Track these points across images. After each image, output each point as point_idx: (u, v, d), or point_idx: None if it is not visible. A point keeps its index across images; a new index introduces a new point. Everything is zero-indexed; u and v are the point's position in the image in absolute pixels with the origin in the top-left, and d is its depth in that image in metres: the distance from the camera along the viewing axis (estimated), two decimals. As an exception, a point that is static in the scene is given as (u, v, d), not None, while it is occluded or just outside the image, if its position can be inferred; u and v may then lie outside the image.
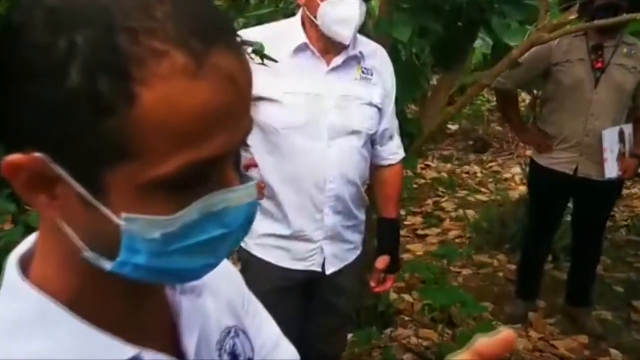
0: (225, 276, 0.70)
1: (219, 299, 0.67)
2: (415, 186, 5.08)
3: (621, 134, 2.74)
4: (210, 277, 0.64)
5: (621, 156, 2.74)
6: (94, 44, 0.42)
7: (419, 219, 4.47)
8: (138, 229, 0.46)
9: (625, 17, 2.22)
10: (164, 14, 0.43)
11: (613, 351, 2.83)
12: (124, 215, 0.46)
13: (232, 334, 0.67)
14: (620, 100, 2.71)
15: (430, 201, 4.86)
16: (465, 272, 3.66)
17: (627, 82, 2.69)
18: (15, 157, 0.45)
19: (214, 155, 0.46)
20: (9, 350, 0.49)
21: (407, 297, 3.25)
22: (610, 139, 2.69)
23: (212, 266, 0.52)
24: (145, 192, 0.45)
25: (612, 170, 2.71)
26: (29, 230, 0.97)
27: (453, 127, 6.82)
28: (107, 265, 0.49)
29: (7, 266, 0.53)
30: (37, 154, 0.44)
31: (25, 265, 0.54)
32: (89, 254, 0.49)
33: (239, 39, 0.49)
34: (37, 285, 0.51)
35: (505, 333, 0.44)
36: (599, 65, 2.68)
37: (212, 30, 0.45)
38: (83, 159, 0.44)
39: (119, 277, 0.50)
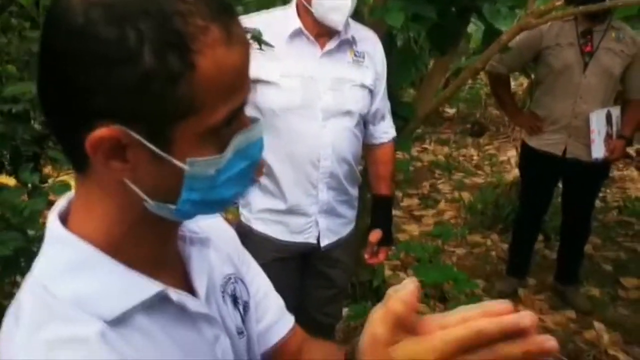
0: (223, 232, 0.82)
1: (219, 251, 0.78)
2: (412, 169, 5.18)
3: (608, 116, 2.83)
4: (211, 233, 0.75)
5: (608, 137, 2.84)
6: (157, 29, 0.53)
7: (415, 201, 4.58)
8: (198, 169, 0.58)
9: (611, 2, 2.30)
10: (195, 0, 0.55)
11: (597, 324, 2.94)
12: (188, 160, 0.57)
13: (232, 280, 0.78)
14: (608, 84, 2.80)
15: (426, 183, 4.96)
16: (459, 251, 3.77)
17: (615, 65, 2.77)
18: (101, 131, 0.55)
19: (242, 102, 0.60)
20: (57, 288, 0.59)
21: (401, 274, 3.37)
22: (597, 120, 2.78)
23: (241, 194, 0.65)
24: (201, 139, 0.58)
25: (599, 151, 2.80)
26: (49, 201, 1.07)
27: (450, 111, 6.90)
28: (172, 207, 0.60)
29: (49, 220, 0.64)
30: (117, 126, 0.55)
31: (64, 217, 0.64)
32: (150, 203, 0.60)
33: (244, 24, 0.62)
34: (78, 235, 0.62)
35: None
36: (588, 49, 2.76)
37: (226, 8, 0.58)
38: (156, 122, 0.56)
39: (154, 224, 0.62)
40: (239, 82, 0.59)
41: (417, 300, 0.50)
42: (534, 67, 3.10)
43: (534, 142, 2.96)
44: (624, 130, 2.88)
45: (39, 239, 1.11)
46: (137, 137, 0.56)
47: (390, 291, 0.51)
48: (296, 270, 1.92)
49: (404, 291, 0.50)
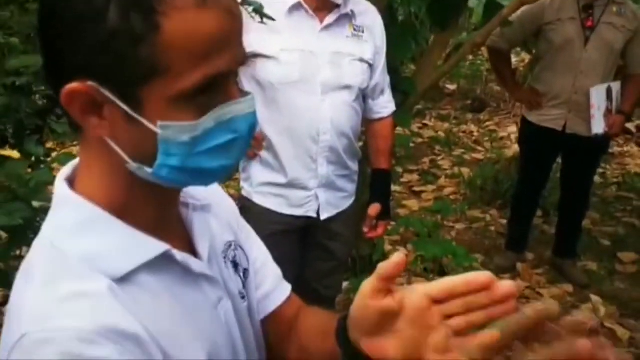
0: (223, 201, 0.84)
1: (219, 218, 0.80)
2: (412, 145, 5.20)
3: (609, 91, 2.83)
4: (212, 202, 0.78)
5: (608, 113, 2.84)
6: None
7: (415, 176, 4.60)
8: (171, 133, 0.59)
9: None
10: None
11: (593, 297, 2.98)
12: (159, 123, 0.59)
13: (232, 247, 0.81)
14: (609, 59, 2.79)
15: (426, 159, 4.97)
16: (459, 226, 3.80)
17: (616, 40, 2.77)
18: (73, 85, 0.57)
19: (221, 70, 0.59)
20: (66, 246, 0.62)
21: (401, 249, 3.41)
22: (597, 96, 2.79)
23: (227, 167, 0.65)
24: (173, 103, 0.58)
25: (598, 127, 2.81)
26: (54, 171, 1.09)
27: (451, 87, 6.88)
28: (148, 170, 0.61)
29: (56, 185, 0.67)
30: (89, 82, 0.57)
31: (70, 182, 0.67)
32: (131, 164, 0.62)
33: None
34: (85, 197, 0.64)
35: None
36: (589, 23, 2.75)
37: None
38: (124, 81, 0.57)
39: (152, 187, 0.64)
40: (216, 49, 0.58)
41: (402, 270, 0.57)
42: (535, 42, 3.09)
43: (534, 118, 2.97)
44: (623, 106, 2.88)
45: (44, 211, 1.14)
46: (109, 94, 0.58)
47: (380, 265, 0.58)
48: (297, 242, 1.95)
49: (389, 262, 0.57)
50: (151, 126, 0.59)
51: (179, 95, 0.58)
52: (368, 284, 0.59)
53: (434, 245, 3.26)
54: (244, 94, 0.64)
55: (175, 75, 0.57)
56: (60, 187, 0.66)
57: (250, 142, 0.67)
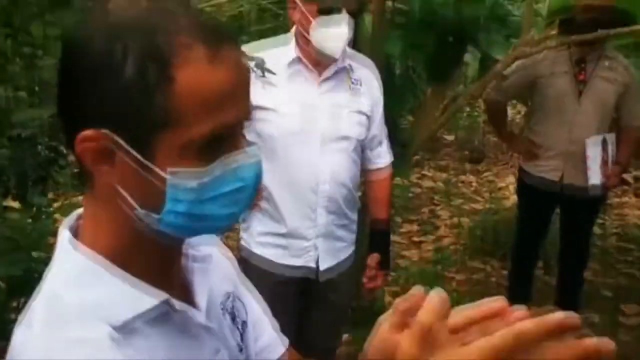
0: (223, 254, 0.85)
1: (219, 271, 0.81)
2: (411, 195, 5.22)
3: (604, 143, 2.87)
4: (212, 253, 0.78)
5: (604, 164, 2.87)
6: (141, 44, 0.58)
7: (414, 227, 4.60)
8: (180, 180, 0.61)
9: (603, 32, 2.36)
10: (187, 21, 0.60)
11: (597, 350, 2.93)
12: (169, 169, 0.61)
13: (231, 298, 0.81)
14: (602, 111, 2.84)
15: (426, 209, 4.98)
16: (459, 277, 3.78)
17: (609, 93, 2.82)
18: (87, 133, 0.60)
19: (229, 122, 0.62)
20: (68, 295, 0.63)
21: (401, 300, 3.37)
22: (593, 147, 2.82)
23: (235, 215, 0.67)
24: (183, 151, 0.61)
25: (595, 177, 2.84)
26: (55, 221, 1.10)
27: (449, 138, 6.95)
28: (156, 216, 0.63)
29: (59, 233, 0.68)
30: (103, 130, 0.60)
31: (74, 231, 0.68)
32: (139, 211, 0.63)
33: (242, 51, 0.66)
34: (88, 246, 0.65)
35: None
36: (582, 77, 2.81)
37: (221, 33, 0.62)
38: (138, 130, 0.60)
39: (156, 236, 0.65)
40: (225, 101, 0.61)
41: (421, 304, 0.48)
42: (530, 95, 3.16)
43: (531, 169, 2.99)
44: (619, 157, 2.91)
45: (43, 261, 1.14)
46: (121, 142, 0.60)
47: (398, 300, 0.50)
48: (296, 293, 1.94)
49: (408, 296, 0.49)
50: (161, 173, 0.61)
51: (189, 144, 0.60)
52: (386, 320, 0.56)
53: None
54: (250, 144, 0.67)
55: (187, 125, 0.60)
56: (63, 236, 0.67)
57: (256, 192, 0.68)
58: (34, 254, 1.09)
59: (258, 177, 0.67)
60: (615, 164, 2.90)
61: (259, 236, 1.88)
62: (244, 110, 0.64)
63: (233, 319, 0.80)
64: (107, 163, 0.61)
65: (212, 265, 0.78)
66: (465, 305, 0.51)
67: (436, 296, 0.47)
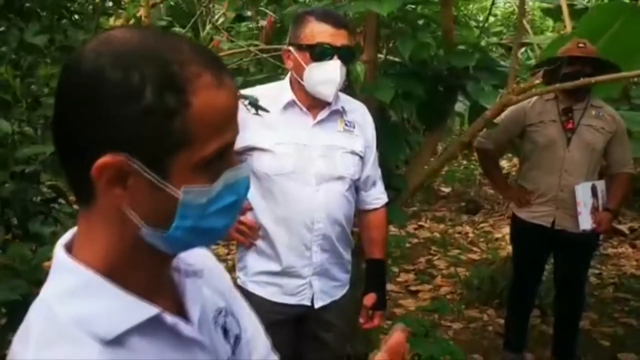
0: (215, 268, 0.88)
1: (211, 285, 0.84)
2: (408, 245, 5.24)
3: (594, 189, 2.93)
4: (204, 267, 0.82)
5: (594, 210, 2.93)
6: (158, 73, 0.63)
7: (411, 276, 4.60)
8: (191, 197, 0.66)
9: (586, 80, 2.46)
10: (189, 51, 0.66)
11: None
12: (183, 188, 0.66)
13: (223, 313, 0.84)
14: (591, 158, 2.92)
15: (422, 259, 4.99)
16: (456, 325, 3.76)
17: (597, 141, 2.91)
18: (106, 158, 0.63)
19: (231, 140, 0.69)
20: (61, 310, 0.66)
21: (397, 348, 3.34)
22: (582, 193, 2.88)
23: (228, 227, 0.72)
24: (194, 170, 0.66)
25: (586, 223, 2.89)
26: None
27: (446, 190, 7.03)
28: (163, 233, 0.67)
29: (55, 251, 0.71)
30: (121, 154, 0.63)
31: (68, 249, 0.71)
32: (146, 230, 0.67)
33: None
34: (82, 262, 0.68)
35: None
36: (570, 126, 2.91)
37: (218, 62, 0.69)
38: (155, 153, 0.64)
39: (151, 252, 0.68)
40: (228, 121, 0.68)
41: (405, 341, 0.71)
42: (520, 142, 3.24)
43: (524, 214, 3.05)
44: (609, 203, 2.97)
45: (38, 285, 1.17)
46: (138, 165, 0.64)
47: (383, 338, 0.66)
48: (291, 333, 1.95)
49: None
50: (175, 192, 0.66)
51: (200, 162, 0.66)
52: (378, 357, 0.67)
53: (431, 344, 3.21)
54: (241, 160, 0.72)
55: (199, 145, 0.65)
56: (58, 253, 0.71)
57: (244, 202, 0.73)
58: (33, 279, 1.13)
59: (247, 190, 0.73)
60: (606, 210, 2.95)
61: (254, 275, 1.90)
62: (237, 128, 0.71)
63: (225, 333, 0.83)
64: (120, 186, 0.65)
65: (204, 280, 0.81)
66: None
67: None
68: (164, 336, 0.70)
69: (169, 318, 0.70)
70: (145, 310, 0.68)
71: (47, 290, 0.69)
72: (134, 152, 0.64)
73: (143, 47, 0.65)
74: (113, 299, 0.67)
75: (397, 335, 0.67)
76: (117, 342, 0.66)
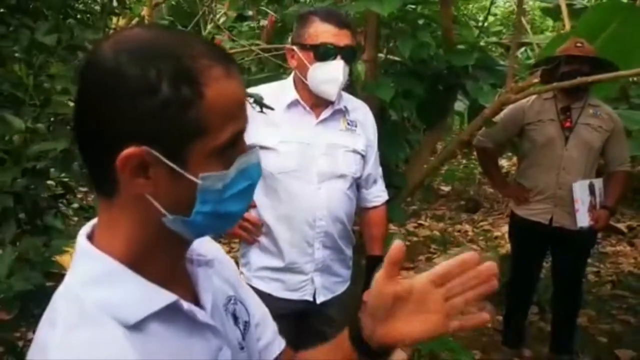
0: (224, 259, 0.92)
1: (221, 274, 0.88)
2: (408, 243, 5.27)
3: (591, 187, 2.97)
4: (215, 258, 0.86)
5: (592, 207, 2.96)
6: (173, 67, 0.67)
7: (411, 274, 4.62)
8: (209, 183, 0.70)
9: (583, 79, 2.50)
10: (200, 46, 0.70)
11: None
12: (201, 175, 0.69)
13: (232, 301, 0.88)
14: (588, 156, 2.96)
15: (422, 257, 5.03)
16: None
17: (594, 139, 2.95)
18: (129, 150, 0.67)
19: (243, 127, 0.73)
20: (85, 296, 0.69)
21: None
22: (580, 191, 2.92)
23: (243, 211, 0.77)
24: (210, 157, 0.70)
25: (583, 220, 2.92)
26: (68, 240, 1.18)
27: (446, 188, 7.07)
28: (185, 218, 0.71)
29: (78, 240, 0.75)
30: (143, 146, 0.67)
31: (89, 238, 0.75)
32: (168, 217, 0.71)
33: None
34: (104, 250, 0.72)
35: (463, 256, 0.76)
36: (568, 124, 2.95)
37: (226, 55, 0.73)
38: (173, 143, 0.68)
39: (170, 240, 0.72)
40: (239, 110, 0.72)
41: (404, 253, 0.77)
42: (519, 141, 3.28)
43: (522, 212, 3.08)
44: (606, 201, 3.01)
45: (55, 279, 1.21)
46: (158, 155, 0.68)
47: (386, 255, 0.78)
48: (293, 328, 1.98)
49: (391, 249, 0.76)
50: (194, 179, 0.69)
51: (215, 150, 0.69)
52: (380, 274, 0.75)
53: (431, 340, 3.24)
54: (250, 147, 0.76)
55: (213, 133, 0.69)
56: (81, 242, 0.74)
57: (255, 187, 0.77)
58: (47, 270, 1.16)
59: (259, 175, 0.77)
60: (603, 207, 2.99)
61: (257, 270, 1.94)
62: (246, 117, 0.75)
63: (235, 319, 0.87)
64: (143, 176, 0.68)
65: (214, 270, 0.85)
66: (446, 262, 0.76)
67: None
68: (181, 322, 0.74)
69: (185, 304, 0.74)
70: (164, 297, 0.72)
71: (72, 277, 0.73)
72: (154, 143, 0.67)
73: (157, 43, 0.69)
74: (134, 286, 0.71)
75: (395, 246, 0.76)
76: (138, 327, 0.69)
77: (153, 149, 0.67)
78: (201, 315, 0.77)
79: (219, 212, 0.72)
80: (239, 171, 0.72)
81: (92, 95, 0.69)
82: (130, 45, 0.68)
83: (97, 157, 0.70)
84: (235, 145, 0.72)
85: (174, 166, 0.68)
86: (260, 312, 0.95)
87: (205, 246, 0.85)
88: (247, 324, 0.89)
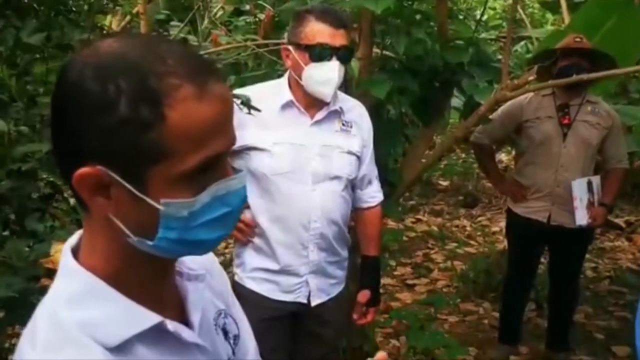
0: (216, 271, 0.90)
1: (212, 288, 0.86)
2: (406, 238, 5.26)
3: (589, 185, 2.95)
4: (206, 270, 0.83)
5: (590, 205, 2.95)
6: (134, 85, 0.63)
7: (408, 269, 4.63)
8: (172, 210, 0.66)
9: (580, 77, 2.47)
10: (174, 61, 0.65)
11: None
12: (162, 200, 0.66)
13: (222, 315, 0.86)
14: (586, 154, 2.94)
15: (420, 253, 5.02)
16: (452, 319, 3.79)
17: (592, 136, 2.93)
18: (84, 170, 0.64)
19: (217, 152, 0.67)
20: (66, 315, 0.67)
21: (393, 341, 3.38)
22: (579, 188, 2.90)
23: (223, 236, 0.72)
24: (175, 183, 0.65)
25: (581, 218, 2.91)
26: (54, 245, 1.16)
27: (444, 183, 7.05)
28: (149, 242, 0.68)
29: (62, 254, 0.73)
30: (99, 166, 0.64)
31: (74, 254, 0.73)
32: (133, 239, 0.68)
33: (225, 84, 0.71)
34: (86, 267, 0.70)
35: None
36: (566, 121, 2.92)
37: (206, 69, 0.67)
38: (131, 164, 0.64)
39: (150, 258, 0.69)
40: (213, 134, 0.66)
41: None
42: (517, 137, 3.26)
43: (519, 209, 3.07)
44: (604, 198, 2.99)
45: (40, 284, 1.19)
46: (115, 176, 0.65)
47: None
48: (287, 329, 1.97)
49: None
50: (154, 204, 0.65)
51: (181, 175, 0.65)
52: None
53: (426, 337, 3.25)
54: (236, 170, 0.72)
55: (178, 158, 0.64)
56: (65, 257, 0.72)
57: (241, 213, 0.73)
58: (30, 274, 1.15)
59: (243, 200, 0.72)
60: (601, 205, 2.97)
61: (251, 271, 1.92)
62: (229, 138, 0.69)
63: (225, 334, 0.85)
64: (103, 196, 0.66)
65: (205, 283, 0.82)
66: None
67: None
68: (167, 342, 0.72)
69: (171, 325, 0.71)
70: (148, 318, 0.70)
71: (54, 294, 0.71)
72: (112, 164, 0.64)
73: (125, 59, 0.64)
74: (116, 306, 0.69)
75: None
76: (120, 348, 0.67)
77: (110, 169, 0.64)
78: (188, 335, 0.74)
79: (187, 240, 0.69)
80: (213, 197, 0.68)
81: (57, 108, 0.67)
82: (97, 59, 0.65)
83: (64, 171, 0.68)
84: (212, 170, 0.67)
85: (132, 189, 0.65)
86: (245, 329, 0.92)
87: (196, 258, 0.82)
88: (236, 337, 0.87)
